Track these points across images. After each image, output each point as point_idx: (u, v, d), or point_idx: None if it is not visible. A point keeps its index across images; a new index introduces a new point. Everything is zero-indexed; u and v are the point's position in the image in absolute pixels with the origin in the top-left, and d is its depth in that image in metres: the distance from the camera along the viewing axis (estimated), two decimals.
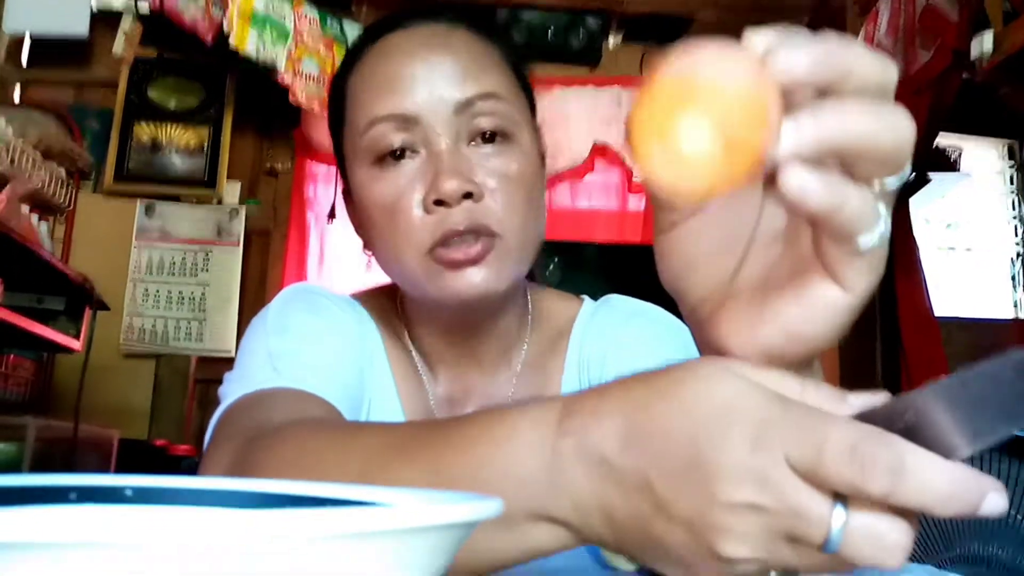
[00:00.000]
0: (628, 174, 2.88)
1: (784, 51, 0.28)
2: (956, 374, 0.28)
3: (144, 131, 2.78)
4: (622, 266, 2.34)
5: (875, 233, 0.30)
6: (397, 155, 0.64)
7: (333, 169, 2.79)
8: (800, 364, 0.35)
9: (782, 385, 0.32)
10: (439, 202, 0.62)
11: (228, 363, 2.46)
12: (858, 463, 0.28)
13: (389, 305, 0.77)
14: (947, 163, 2.51)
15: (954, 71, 1.98)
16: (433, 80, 0.64)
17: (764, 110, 0.27)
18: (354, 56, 0.70)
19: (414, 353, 0.75)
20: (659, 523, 0.32)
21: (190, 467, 2.30)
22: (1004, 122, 2.46)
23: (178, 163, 2.77)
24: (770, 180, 0.29)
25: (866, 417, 0.30)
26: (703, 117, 0.26)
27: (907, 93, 2.18)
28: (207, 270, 2.73)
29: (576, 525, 0.34)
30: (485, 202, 0.63)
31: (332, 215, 2.75)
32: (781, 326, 0.34)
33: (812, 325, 0.33)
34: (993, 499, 0.27)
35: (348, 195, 0.74)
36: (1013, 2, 1.33)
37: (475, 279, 0.63)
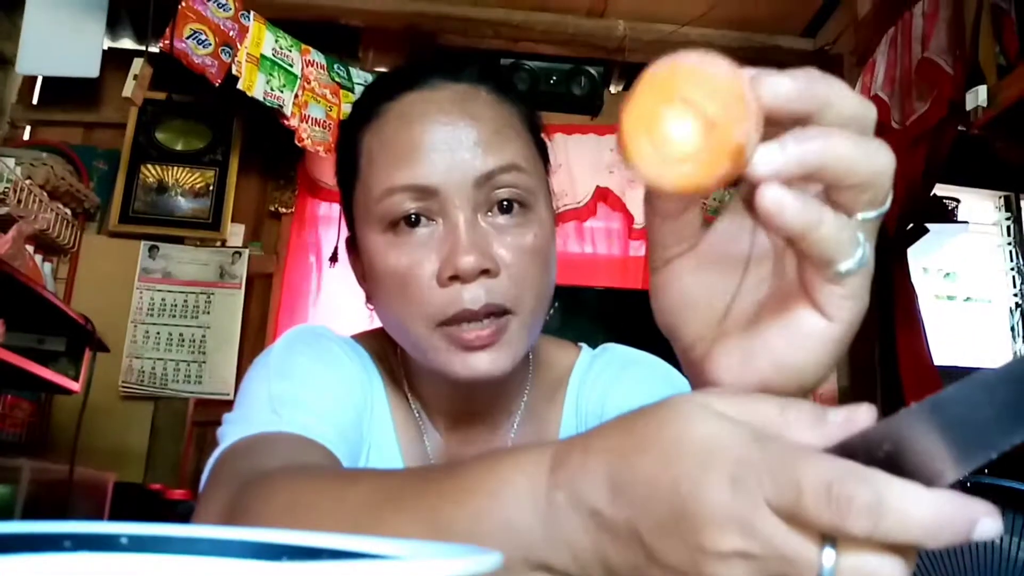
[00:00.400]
0: (630, 220, 2.90)
1: (768, 77, 0.29)
2: (929, 398, 0.28)
3: (150, 173, 2.81)
4: (622, 311, 2.34)
5: (853, 259, 0.31)
6: (412, 221, 0.63)
7: (336, 209, 2.82)
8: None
9: (760, 407, 0.32)
10: (454, 277, 0.61)
11: (227, 405, 2.45)
12: (835, 504, 0.27)
13: (389, 350, 0.76)
14: (945, 213, 2.53)
15: (950, 122, 2.01)
16: (454, 150, 0.62)
17: (742, 102, 0.28)
18: (370, 109, 0.67)
19: (412, 402, 0.74)
20: (654, 572, 0.31)
21: (186, 512, 2.27)
22: (1000, 174, 2.48)
23: (183, 205, 2.79)
24: (754, 208, 0.30)
25: (846, 447, 0.29)
26: (684, 106, 0.28)
27: (904, 144, 2.21)
28: (208, 312, 2.73)
29: (575, 574, 0.34)
30: (501, 278, 0.62)
31: (335, 259, 2.76)
32: (770, 359, 0.35)
33: (799, 355, 0.34)
34: (985, 524, 0.27)
35: (351, 245, 0.73)
36: (1008, 56, 1.36)
37: (484, 363, 0.62)
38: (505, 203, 0.63)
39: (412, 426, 0.74)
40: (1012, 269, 2.68)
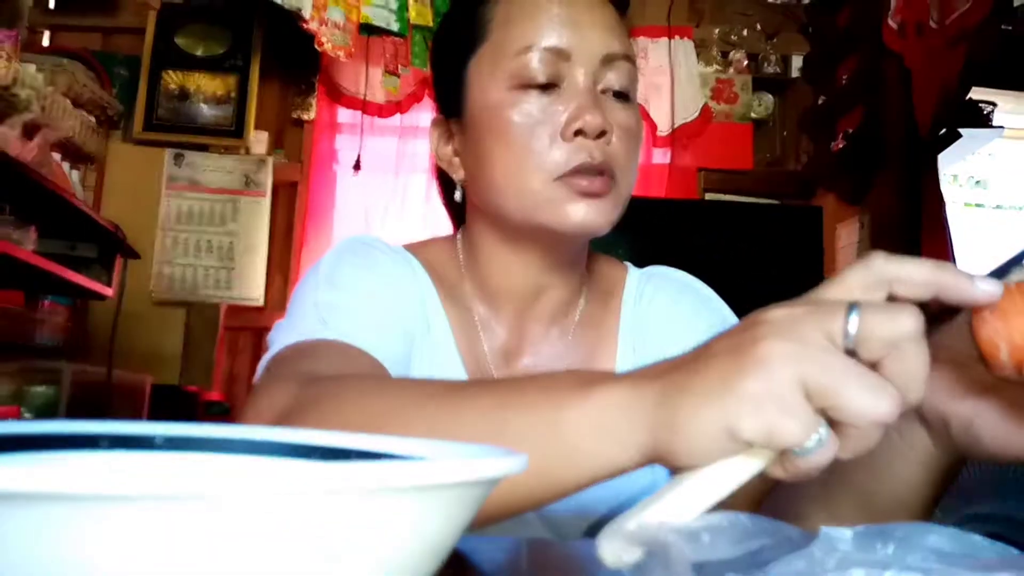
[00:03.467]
0: (652, 128, 2.85)
1: None
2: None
3: (172, 79, 2.79)
4: (643, 219, 2.33)
5: None
6: (543, 86, 0.68)
7: (359, 117, 2.79)
8: None
9: None
10: (579, 132, 0.66)
11: (257, 312, 2.53)
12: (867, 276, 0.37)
13: (445, 257, 0.78)
14: (980, 118, 2.45)
15: (993, 20, 1.92)
16: (588, 27, 0.69)
17: None
18: None
19: (472, 302, 0.76)
20: (705, 354, 0.36)
21: (220, 413, 2.36)
22: None
23: (206, 112, 2.78)
24: None
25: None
26: None
27: (941, 44, 2.13)
28: (235, 220, 2.76)
29: (634, 380, 0.38)
30: (614, 146, 0.68)
31: (358, 166, 2.76)
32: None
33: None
34: (983, 284, 0.36)
35: (443, 120, 0.76)
36: None
37: (594, 211, 0.67)
38: (617, 91, 0.70)
39: (471, 332, 0.75)
40: None
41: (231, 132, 2.77)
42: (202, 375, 2.61)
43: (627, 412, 0.37)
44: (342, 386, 0.51)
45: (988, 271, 0.37)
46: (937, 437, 0.47)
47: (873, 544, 0.31)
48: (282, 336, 0.64)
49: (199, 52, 2.80)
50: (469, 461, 0.26)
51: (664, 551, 0.31)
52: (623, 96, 0.70)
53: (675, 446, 0.35)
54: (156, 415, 2.23)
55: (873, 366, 0.34)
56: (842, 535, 0.31)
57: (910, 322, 0.33)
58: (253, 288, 2.73)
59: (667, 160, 2.86)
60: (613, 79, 0.69)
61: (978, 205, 2.70)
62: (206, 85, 2.79)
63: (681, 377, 0.36)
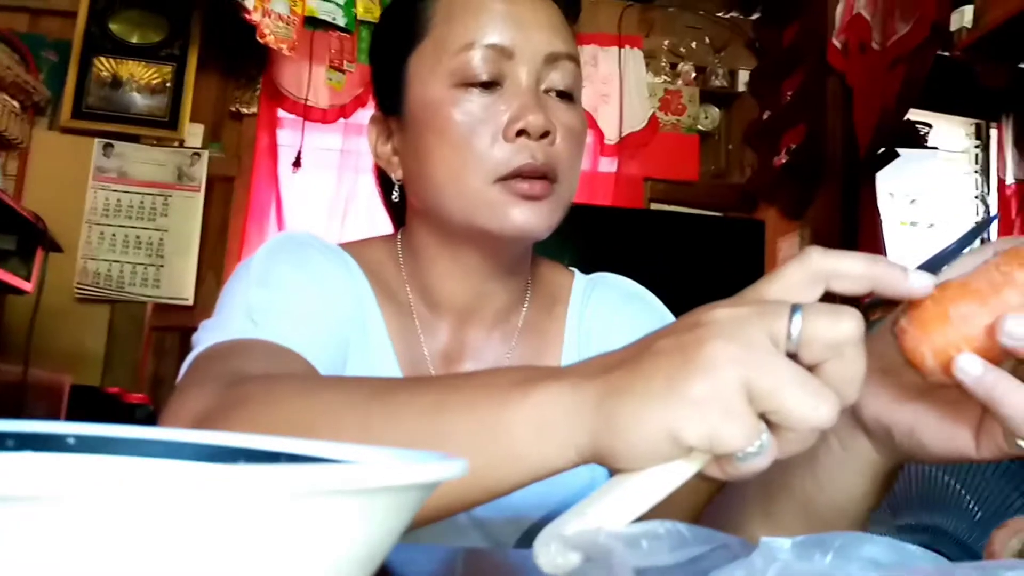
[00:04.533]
0: (600, 136, 2.86)
1: None
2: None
3: (104, 66, 2.67)
4: (590, 226, 2.33)
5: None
6: (485, 84, 0.66)
7: (299, 117, 2.72)
8: None
9: None
10: (521, 132, 0.65)
11: (186, 311, 2.42)
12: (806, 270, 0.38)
13: (384, 257, 0.76)
14: (916, 138, 2.53)
15: (930, 45, 1.98)
16: (533, 26, 0.68)
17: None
18: None
19: (413, 305, 0.74)
20: (648, 352, 0.36)
21: (144, 416, 2.26)
22: (974, 100, 2.48)
23: (139, 101, 2.67)
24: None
25: None
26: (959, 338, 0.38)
27: (882, 66, 2.18)
28: (166, 215, 2.66)
29: (574, 378, 0.37)
30: (557, 147, 0.67)
31: (298, 163, 2.69)
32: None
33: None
34: (916, 276, 0.37)
35: (382, 118, 0.74)
36: None
37: (534, 215, 0.66)
38: (561, 91, 0.69)
39: (410, 335, 0.73)
40: (976, 197, 2.71)
41: (165, 123, 2.66)
42: (126, 376, 2.51)
43: (567, 413, 0.36)
44: (270, 386, 0.48)
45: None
46: (879, 445, 0.48)
47: (812, 554, 0.31)
48: (208, 335, 0.61)
49: (134, 39, 2.69)
50: (405, 465, 0.24)
51: (606, 557, 0.31)
52: (567, 96, 0.69)
53: (615, 449, 0.34)
54: (75, 417, 2.13)
55: (811, 368, 0.34)
56: (781, 544, 0.31)
57: (852, 325, 0.34)
58: (183, 287, 2.63)
59: (614, 169, 2.87)
60: (557, 79, 0.68)
61: (912, 223, 2.77)
62: (140, 74, 2.68)
63: (623, 377, 0.35)
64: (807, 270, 0.37)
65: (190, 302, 2.61)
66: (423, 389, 0.42)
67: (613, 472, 0.36)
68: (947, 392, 0.42)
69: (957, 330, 0.37)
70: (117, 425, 0.33)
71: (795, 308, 0.34)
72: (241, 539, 0.21)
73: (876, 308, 0.42)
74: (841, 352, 0.34)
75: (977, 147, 2.69)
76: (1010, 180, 2.41)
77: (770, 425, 0.34)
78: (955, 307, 0.37)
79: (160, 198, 2.66)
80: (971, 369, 0.37)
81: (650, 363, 0.35)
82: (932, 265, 0.40)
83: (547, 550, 0.33)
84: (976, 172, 2.69)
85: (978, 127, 2.66)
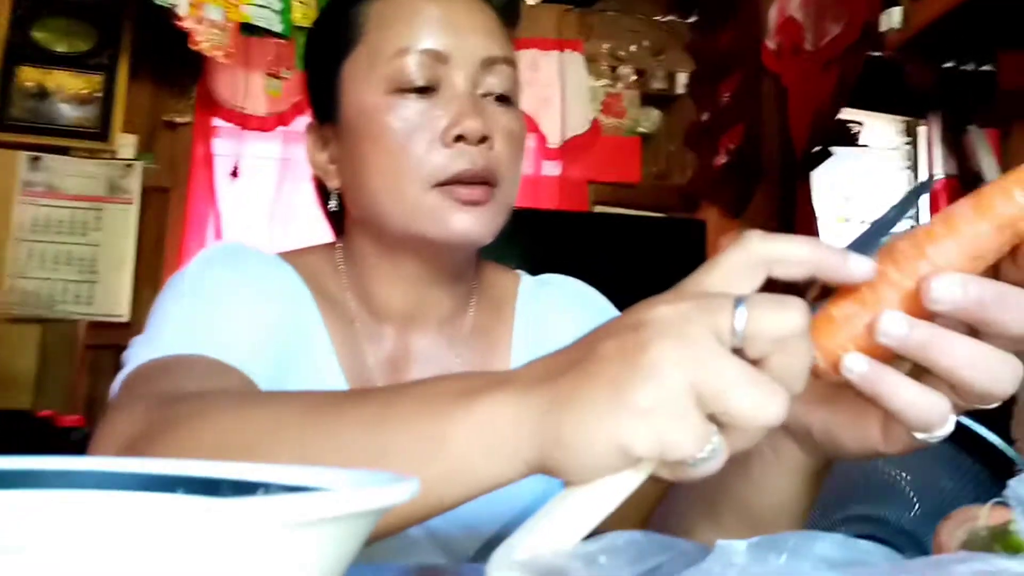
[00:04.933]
0: (542, 140, 2.86)
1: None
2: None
3: (29, 75, 2.57)
4: (534, 230, 2.33)
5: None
6: (421, 89, 0.66)
7: (237, 126, 2.67)
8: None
9: None
10: (459, 138, 0.64)
11: (121, 328, 2.34)
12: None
13: (324, 265, 0.74)
14: (849, 137, 2.60)
15: (862, 46, 2.04)
16: (468, 30, 0.67)
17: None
18: None
19: (355, 314, 0.72)
20: (592, 358, 0.35)
21: (79, 440, 2.18)
22: (903, 99, 2.55)
23: (67, 112, 2.58)
24: None
25: None
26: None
27: (815, 67, 2.24)
28: (99, 229, 2.57)
29: (518, 387, 0.36)
30: (497, 151, 0.66)
31: (235, 173, 2.64)
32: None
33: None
34: (856, 261, 0.36)
35: (316, 125, 0.72)
36: None
37: (474, 221, 0.65)
38: (499, 95, 0.68)
39: (354, 344, 0.72)
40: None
41: (95, 135, 2.57)
42: (59, 398, 2.41)
43: (512, 425, 0.35)
44: (201, 407, 0.46)
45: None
46: (803, 445, 0.48)
47: (766, 555, 0.32)
48: (140, 352, 0.59)
49: (60, 48, 2.59)
50: (359, 492, 0.23)
51: None
52: (505, 100, 0.68)
53: (564, 462, 0.33)
54: (3, 443, 2.03)
55: (756, 361, 0.33)
56: (736, 547, 0.31)
57: (797, 317, 0.33)
58: (118, 303, 2.54)
59: (557, 172, 2.88)
60: (494, 83, 0.68)
61: (847, 219, 2.85)
62: (68, 84, 2.59)
63: (569, 385, 0.34)
64: (748, 256, 0.36)
65: (126, 318, 2.53)
66: (362, 403, 0.41)
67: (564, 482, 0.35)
68: (854, 391, 0.43)
69: (842, 331, 0.38)
70: (44, 457, 0.31)
71: (739, 301, 0.33)
72: (189, 571, 0.20)
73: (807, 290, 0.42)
74: (786, 345, 0.33)
75: (907, 144, 2.77)
76: (939, 175, 2.49)
77: (718, 424, 0.33)
78: (838, 308, 0.38)
79: (92, 212, 2.57)
80: (856, 367, 0.37)
81: (595, 370, 0.34)
82: (872, 233, 0.42)
83: (501, 571, 0.32)
84: (907, 168, 2.78)
85: (908, 125, 2.75)
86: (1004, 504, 0.36)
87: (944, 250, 0.36)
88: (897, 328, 0.36)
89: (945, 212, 0.37)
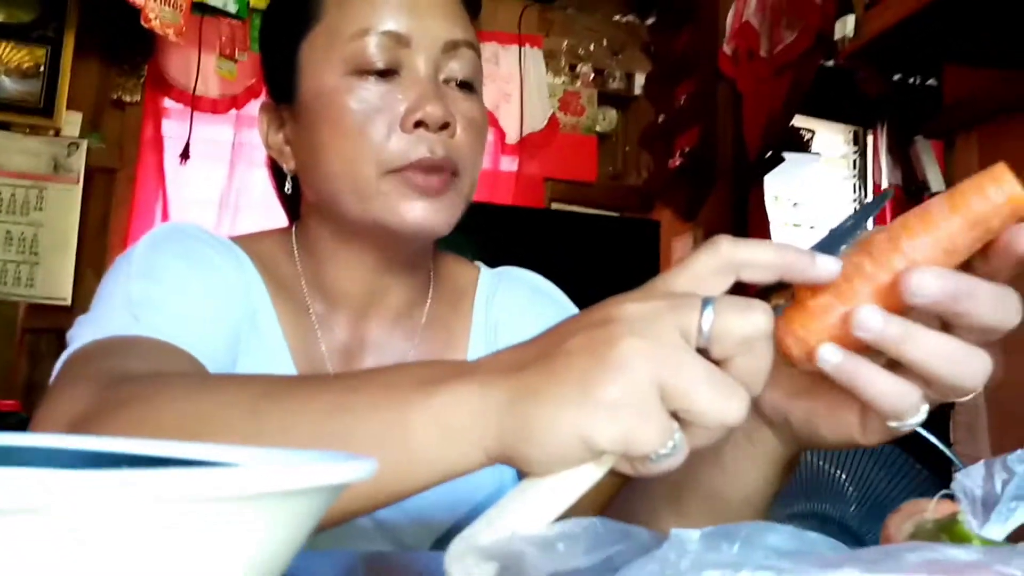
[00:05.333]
0: (501, 135, 2.86)
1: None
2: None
3: None
4: (491, 225, 2.33)
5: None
6: (382, 72, 0.64)
7: (188, 107, 2.61)
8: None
9: None
10: (419, 124, 0.62)
11: (63, 311, 2.27)
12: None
13: (278, 251, 0.73)
14: (800, 144, 2.65)
15: (815, 53, 2.08)
16: (430, 13, 0.66)
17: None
18: None
19: (309, 300, 0.71)
20: (559, 352, 0.35)
21: (17, 424, 2.11)
22: (853, 108, 2.62)
23: (9, 86, 2.48)
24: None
25: None
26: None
27: (769, 73, 2.28)
28: (41, 209, 2.48)
29: (481, 377, 0.36)
30: (458, 139, 0.65)
31: (186, 155, 2.57)
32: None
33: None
34: (823, 261, 0.37)
35: (273, 104, 0.71)
36: None
37: (431, 211, 0.63)
38: (461, 80, 0.67)
39: (303, 328, 0.70)
40: (855, 200, 2.86)
41: (38, 110, 2.48)
42: None
43: (474, 415, 0.35)
44: (153, 387, 0.45)
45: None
46: (780, 434, 0.49)
47: (720, 544, 0.32)
48: (85, 331, 0.57)
49: (0, 18, 2.50)
50: (313, 465, 0.23)
51: (518, 563, 0.31)
52: (467, 86, 0.67)
53: (527, 453, 0.34)
54: None
55: (720, 362, 0.34)
56: (690, 536, 0.32)
57: (762, 320, 0.34)
58: (60, 286, 2.46)
59: (515, 168, 2.88)
60: (456, 68, 0.67)
61: (796, 225, 2.91)
62: (9, 56, 2.49)
63: (534, 378, 0.34)
64: (717, 259, 0.37)
65: (68, 302, 2.45)
66: (320, 389, 0.40)
67: (522, 473, 0.36)
68: (833, 381, 0.45)
69: (817, 321, 0.39)
70: None
71: (706, 302, 0.34)
72: (135, 547, 0.20)
73: (772, 293, 0.42)
74: (750, 347, 0.34)
75: (855, 153, 2.84)
76: (885, 185, 2.56)
77: (680, 421, 0.34)
78: (813, 299, 0.39)
79: (34, 191, 2.48)
80: (831, 358, 0.38)
81: (562, 364, 0.34)
82: (832, 239, 0.41)
83: (460, 562, 0.32)
84: (854, 177, 2.85)
85: (856, 133, 2.82)
86: (950, 497, 0.37)
87: (919, 244, 0.37)
88: (873, 322, 0.37)
89: (921, 207, 0.38)
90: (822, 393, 0.45)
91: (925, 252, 0.37)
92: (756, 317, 0.34)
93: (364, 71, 0.64)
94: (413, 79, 0.64)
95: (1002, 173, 0.36)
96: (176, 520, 0.20)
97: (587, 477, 0.35)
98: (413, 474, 0.36)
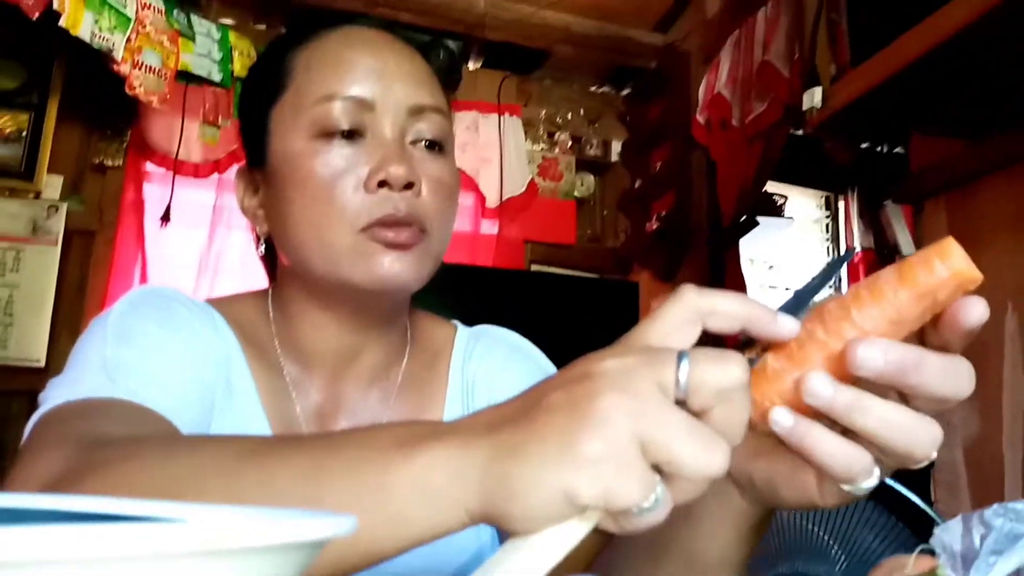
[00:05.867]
0: (481, 200, 2.90)
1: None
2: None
3: None
4: (471, 288, 2.33)
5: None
6: (345, 134, 0.65)
7: (170, 171, 2.62)
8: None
9: None
10: (383, 183, 0.64)
11: (36, 373, 2.22)
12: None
13: (254, 313, 0.73)
14: (773, 208, 2.71)
15: (784, 124, 2.15)
16: (395, 79, 0.67)
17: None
18: (308, 31, 0.70)
19: (283, 363, 0.71)
20: (539, 409, 0.35)
21: None
22: (824, 175, 2.69)
23: None
24: None
25: None
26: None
27: (741, 141, 2.34)
28: (17, 270, 2.46)
29: (461, 437, 0.36)
30: (424, 199, 0.66)
31: (166, 218, 2.57)
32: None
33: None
34: (784, 321, 0.39)
35: (248, 171, 0.72)
36: (839, 63, 1.46)
37: (402, 265, 0.64)
38: (428, 141, 0.68)
39: (281, 394, 0.70)
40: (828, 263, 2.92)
41: (19, 174, 2.48)
42: None
43: (455, 476, 0.34)
44: (128, 450, 0.44)
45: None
46: (746, 494, 0.49)
47: None
48: (58, 392, 0.56)
49: None
50: (294, 520, 0.23)
51: None
52: (435, 146, 0.68)
53: (510, 512, 0.33)
54: None
55: (699, 414, 0.34)
56: None
57: (737, 371, 0.34)
58: (34, 347, 2.42)
59: (495, 231, 2.91)
60: (424, 128, 0.68)
61: (772, 287, 2.95)
62: None
63: (514, 436, 0.34)
64: (685, 310, 0.38)
65: (42, 363, 2.40)
66: (298, 451, 0.40)
67: (503, 533, 0.35)
68: None
69: (772, 385, 0.39)
70: None
71: (681, 355, 0.35)
72: None
73: (746, 347, 0.43)
74: (727, 397, 0.34)
75: (827, 217, 2.90)
76: (857, 248, 2.61)
77: (663, 475, 0.34)
78: (768, 362, 0.40)
79: (11, 252, 2.46)
80: (783, 421, 0.39)
81: (542, 421, 0.34)
82: (798, 299, 0.42)
83: None
84: (827, 240, 2.90)
85: (827, 199, 2.89)
86: (929, 552, 0.38)
87: (868, 314, 0.38)
88: (823, 390, 0.37)
89: (872, 278, 0.39)
90: (782, 454, 0.45)
91: (874, 322, 0.37)
92: (731, 368, 0.34)
93: (329, 133, 0.65)
94: (378, 141, 0.66)
95: (948, 247, 0.36)
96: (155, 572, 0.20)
97: (572, 534, 0.34)
98: (394, 535, 0.36)
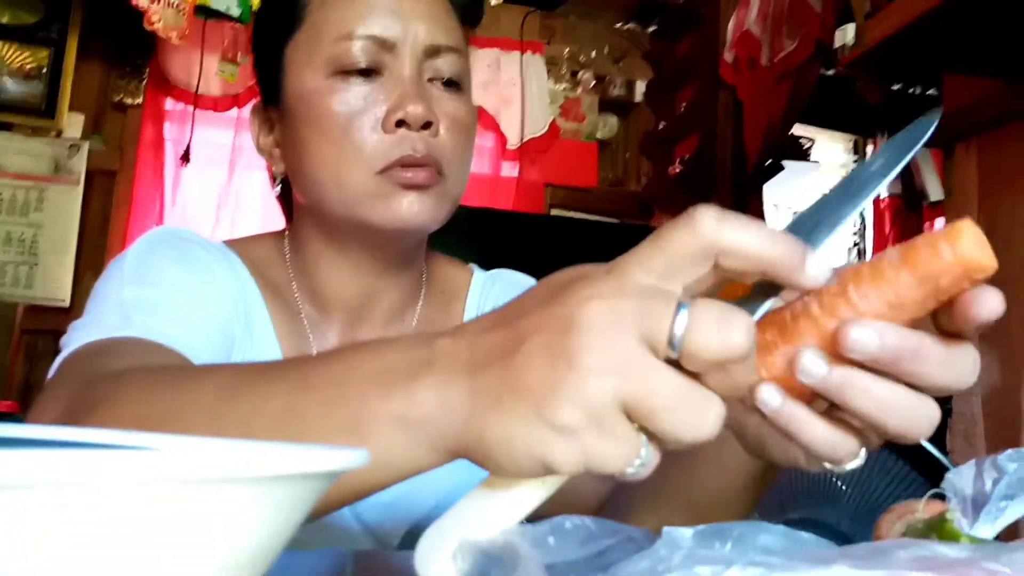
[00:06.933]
0: (502, 141, 2.86)
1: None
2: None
3: None
4: (492, 231, 2.33)
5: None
6: (362, 72, 0.64)
7: (190, 108, 2.61)
8: None
9: None
10: (400, 123, 0.63)
11: (61, 313, 2.27)
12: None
13: (271, 254, 0.73)
14: (800, 152, 2.66)
15: (815, 62, 2.09)
16: (415, 18, 0.66)
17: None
18: None
19: (301, 305, 0.71)
20: (518, 349, 0.32)
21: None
22: (853, 117, 2.63)
23: (11, 87, 2.49)
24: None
25: None
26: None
27: (770, 81, 2.28)
28: (41, 210, 2.48)
29: (438, 375, 0.34)
30: (442, 138, 0.65)
31: (186, 158, 2.58)
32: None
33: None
34: (811, 263, 0.32)
35: (263, 107, 0.71)
36: None
37: (420, 206, 0.63)
38: (447, 79, 0.67)
39: (299, 335, 0.70)
40: None
41: (40, 111, 2.49)
42: None
43: (434, 417, 0.33)
44: (118, 388, 0.44)
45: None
46: (745, 445, 0.47)
47: (712, 542, 0.32)
48: (78, 335, 0.57)
49: (4, 19, 2.50)
50: (311, 451, 0.24)
51: (512, 556, 0.31)
52: (453, 85, 0.67)
53: (485, 462, 0.33)
54: None
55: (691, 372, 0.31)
56: (683, 535, 0.32)
57: (741, 339, 0.30)
58: (58, 287, 2.46)
59: (515, 174, 2.88)
60: (442, 66, 0.67)
61: None
62: (13, 57, 2.50)
63: (493, 386, 0.32)
64: (696, 241, 0.32)
65: (66, 303, 2.45)
66: (276, 387, 0.39)
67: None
68: None
69: (760, 357, 0.37)
70: None
71: (680, 306, 0.30)
72: (128, 527, 0.20)
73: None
74: (726, 369, 0.31)
75: (855, 162, 2.85)
76: (884, 195, 2.56)
77: (649, 433, 0.31)
78: (760, 334, 0.37)
79: (35, 192, 2.48)
80: (770, 401, 0.36)
81: (520, 366, 0.31)
82: (838, 197, 0.39)
83: (431, 557, 0.32)
84: None
85: (856, 142, 2.83)
86: (940, 497, 0.37)
87: (866, 294, 0.35)
88: (816, 369, 0.34)
89: (875, 257, 0.37)
90: None
91: (871, 303, 0.35)
92: (735, 335, 0.30)
93: (346, 71, 0.64)
94: (395, 80, 0.65)
95: (960, 230, 0.33)
96: (155, 501, 0.20)
97: (549, 483, 0.34)
98: (373, 476, 0.36)
